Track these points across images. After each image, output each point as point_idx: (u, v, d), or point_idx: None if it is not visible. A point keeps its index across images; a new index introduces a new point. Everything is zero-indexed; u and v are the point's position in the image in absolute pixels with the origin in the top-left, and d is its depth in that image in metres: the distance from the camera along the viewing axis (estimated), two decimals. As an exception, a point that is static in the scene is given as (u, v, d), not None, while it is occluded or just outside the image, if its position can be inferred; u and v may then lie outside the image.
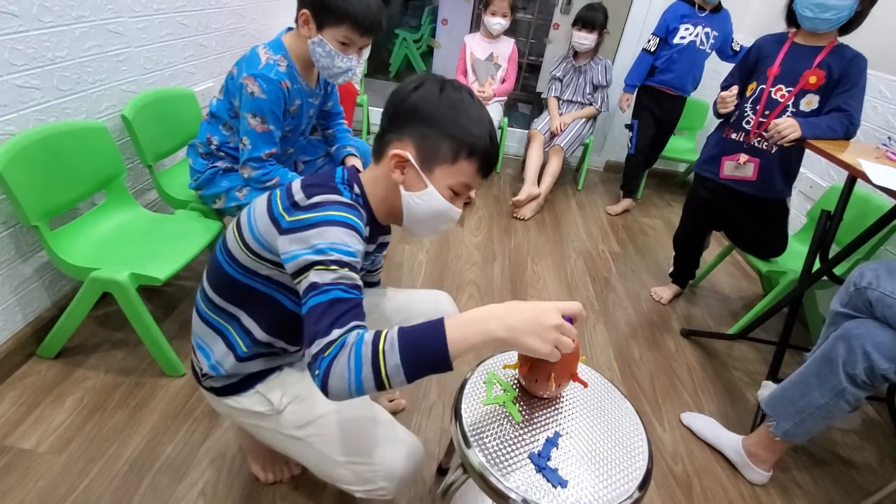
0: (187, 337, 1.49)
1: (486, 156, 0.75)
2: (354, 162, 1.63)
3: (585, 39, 2.63)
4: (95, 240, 1.34)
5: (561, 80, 2.83)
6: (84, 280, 1.23)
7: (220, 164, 1.45)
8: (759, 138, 1.59)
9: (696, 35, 2.37)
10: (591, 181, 3.22)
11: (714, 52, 2.45)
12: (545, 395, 0.78)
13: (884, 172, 1.13)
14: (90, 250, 1.30)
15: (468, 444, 0.71)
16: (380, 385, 0.57)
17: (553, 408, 0.79)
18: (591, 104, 2.80)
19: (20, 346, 1.31)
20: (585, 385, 0.80)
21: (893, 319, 1.01)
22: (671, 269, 2.11)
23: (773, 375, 1.50)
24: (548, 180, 2.62)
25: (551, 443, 0.72)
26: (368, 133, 3.15)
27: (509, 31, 2.79)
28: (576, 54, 2.77)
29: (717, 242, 2.54)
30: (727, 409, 1.54)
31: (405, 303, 1.08)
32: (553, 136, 2.74)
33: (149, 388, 1.32)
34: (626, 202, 2.82)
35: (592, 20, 2.60)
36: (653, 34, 2.46)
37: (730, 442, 1.35)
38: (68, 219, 1.33)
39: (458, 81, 0.77)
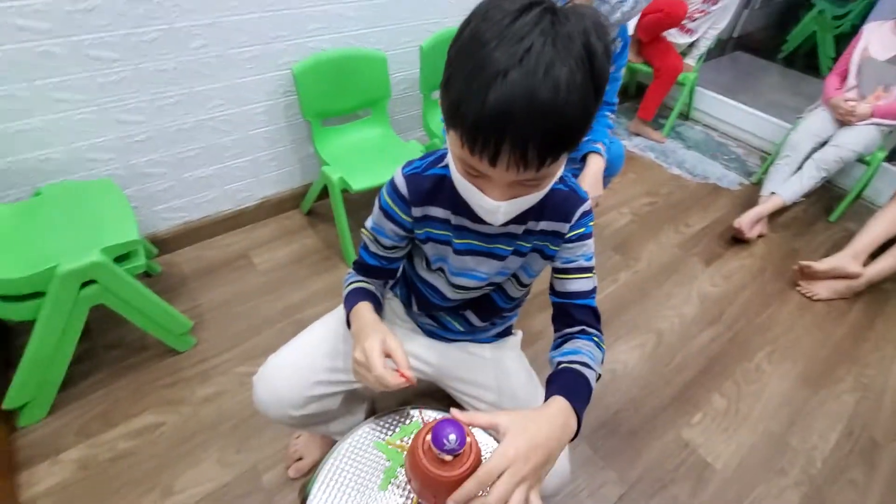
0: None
1: (470, 128, 0.51)
2: (596, 164, 1.33)
3: None
4: (343, 144, 1.72)
5: None
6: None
7: None
8: None
9: None
10: None
11: None
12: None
13: None
14: (334, 150, 1.68)
15: (318, 477, 0.68)
16: None
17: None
18: None
19: (292, 197, 1.88)
20: None
21: None
22: None
23: None
24: (889, 261, 1.68)
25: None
26: (685, 117, 2.66)
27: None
28: None
29: None
30: None
31: (506, 373, 0.95)
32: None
33: (331, 264, 1.70)
34: None
35: None
36: None
37: None
38: (341, 122, 1.74)
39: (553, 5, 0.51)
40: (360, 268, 0.86)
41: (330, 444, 1.19)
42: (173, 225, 1.64)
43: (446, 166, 0.72)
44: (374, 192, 0.83)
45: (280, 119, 1.67)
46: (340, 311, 0.95)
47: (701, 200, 2.23)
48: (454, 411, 0.60)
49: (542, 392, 0.90)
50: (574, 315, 0.76)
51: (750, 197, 2.22)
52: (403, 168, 0.75)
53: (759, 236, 1.98)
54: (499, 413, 0.59)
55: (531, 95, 0.48)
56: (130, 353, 1.34)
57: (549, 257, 0.77)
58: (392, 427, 0.73)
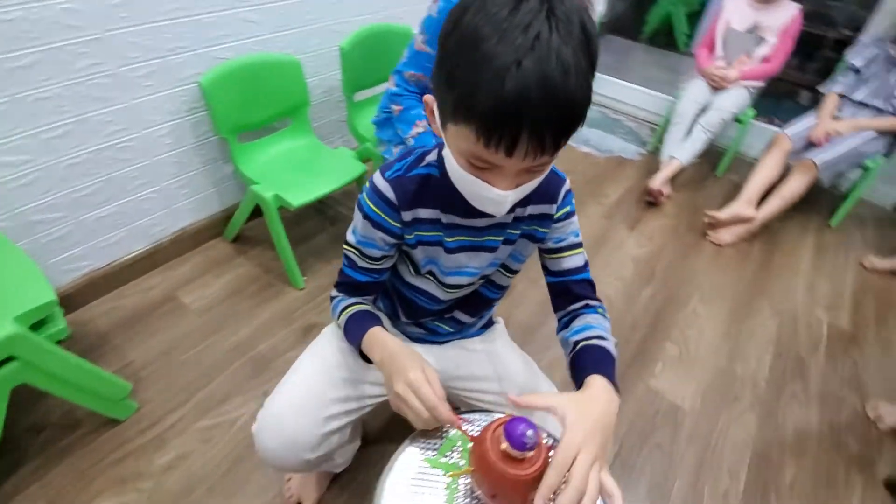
0: (322, 256, 1.72)
1: (486, 121, 0.49)
2: None
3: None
4: (268, 158, 1.59)
5: (858, 72, 2.00)
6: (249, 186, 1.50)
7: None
8: None
9: None
10: (858, 219, 2.29)
11: None
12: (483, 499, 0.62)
13: None
14: (260, 166, 1.55)
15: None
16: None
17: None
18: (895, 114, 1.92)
19: (212, 226, 1.70)
20: None
21: None
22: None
23: None
24: (775, 203, 1.97)
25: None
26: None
27: (799, -5, 2.07)
28: (904, 36, 1.89)
29: None
30: None
31: (502, 360, 0.94)
32: (811, 145, 2.01)
33: (274, 291, 1.57)
34: None
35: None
36: None
37: None
38: (259, 136, 1.60)
39: None
40: (350, 287, 0.80)
41: (327, 478, 1.10)
42: (77, 277, 1.40)
43: (429, 165, 0.70)
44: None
45: (188, 139, 1.49)
46: (328, 338, 0.89)
47: (611, 173, 2.43)
48: (512, 396, 0.61)
49: (539, 372, 0.92)
50: (574, 291, 0.78)
51: (650, 164, 2.46)
52: (384, 172, 0.70)
53: (667, 197, 2.21)
54: (549, 395, 0.61)
55: (546, 82, 0.47)
56: (62, 433, 1.13)
57: (539, 240, 0.78)
58: (433, 444, 0.69)
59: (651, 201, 2.17)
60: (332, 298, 0.84)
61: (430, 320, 0.89)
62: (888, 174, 2.28)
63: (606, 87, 3.03)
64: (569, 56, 0.48)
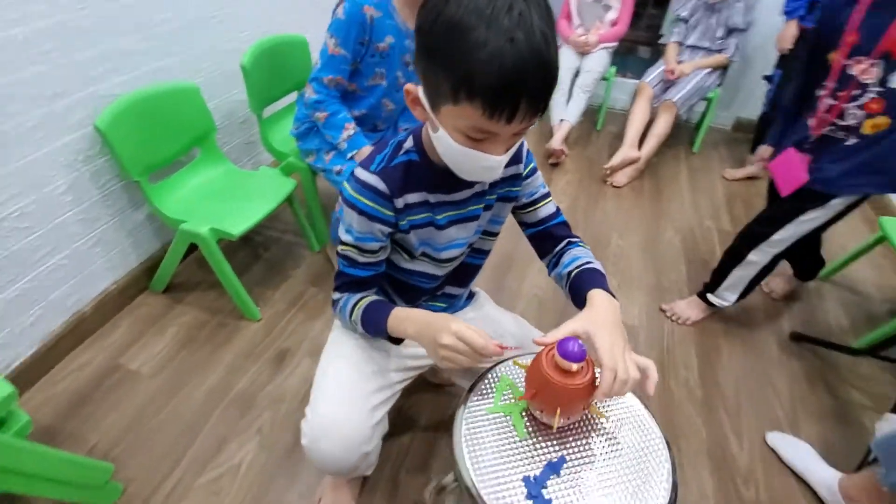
0: (269, 283, 1.66)
1: (491, 96, 0.55)
2: None
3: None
4: (187, 194, 1.49)
5: (686, 22, 2.40)
6: (176, 229, 1.39)
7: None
8: (831, 127, 1.22)
9: None
10: (712, 142, 2.77)
11: None
12: (543, 421, 0.70)
13: None
14: (182, 203, 1.45)
15: (462, 455, 0.68)
16: (355, 330, 0.86)
17: (565, 431, 0.71)
18: (720, 51, 2.35)
19: (135, 281, 1.54)
20: (601, 416, 0.71)
21: None
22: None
23: (903, 408, 1.21)
24: (651, 142, 2.31)
25: (552, 468, 0.65)
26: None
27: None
28: (710, -11, 2.31)
29: (867, 226, 2.07)
30: (831, 436, 1.30)
31: (496, 321, 1.01)
32: (666, 88, 2.37)
33: (230, 329, 1.49)
34: (750, 168, 2.39)
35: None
36: None
37: (823, 477, 1.14)
38: (169, 173, 1.49)
39: None
40: (353, 285, 0.83)
41: (358, 485, 1.10)
42: (1, 370, 1.20)
43: (408, 152, 0.75)
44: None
45: (91, 192, 1.34)
46: (341, 339, 0.90)
47: (512, 144, 2.63)
48: (537, 339, 0.68)
49: (529, 325, 1.02)
50: (556, 233, 0.88)
51: (542, 131, 2.70)
52: (368, 167, 0.74)
53: (566, 155, 2.45)
54: (567, 324, 0.68)
55: (536, 54, 0.55)
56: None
57: (513, 199, 0.86)
58: (486, 394, 0.75)
59: (554, 162, 2.40)
60: (335, 302, 0.85)
61: (424, 301, 0.94)
62: (723, 102, 2.78)
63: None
64: (545, 28, 0.56)
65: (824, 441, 1.28)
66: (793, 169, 1.29)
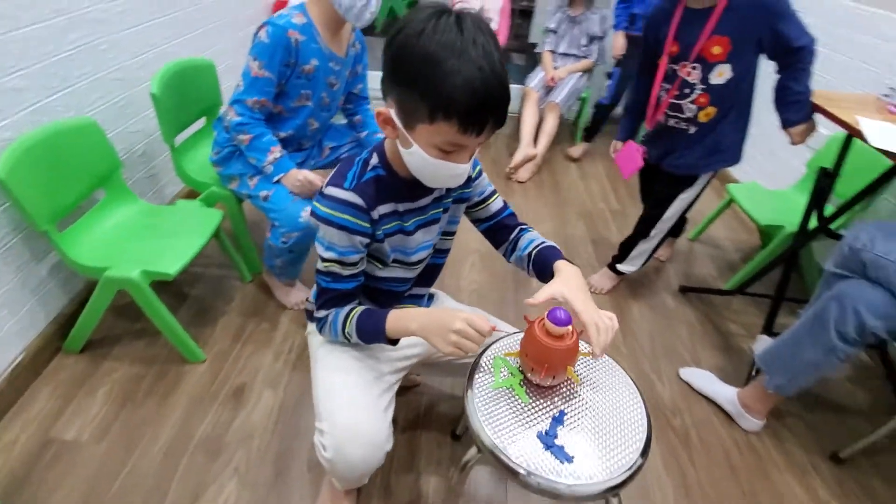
0: (204, 322, 1.58)
1: (466, 115, 0.65)
2: None
3: (581, -16, 2.52)
4: (103, 238, 1.36)
5: (555, 32, 2.73)
6: (98, 279, 1.27)
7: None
8: (674, 119, 1.52)
9: None
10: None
11: None
12: (541, 383, 0.83)
13: (882, 131, 1.13)
14: (100, 249, 1.33)
15: (481, 427, 0.77)
16: (347, 343, 0.90)
17: (557, 388, 0.84)
18: (586, 57, 2.72)
19: (47, 344, 1.37)
20: (574, 378, 0.84)
21: (886, 280, 1.04)
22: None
23: (769, 329, 1.57)
24: (544, 139, 2.59)
25: (557, 421, 0.78)
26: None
27: (501, -19, 2.67)
28: (571, 2, 2.66)
29: (716, 195, 2.55)
30: (723, 362, 1.62)
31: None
32: (548, 92, 2.68)
33: (173, 376, 1.39)
34: (584, 146, 2.86)
35: (588, -36, 2.49)
36: None
37: (725, 394, 1.43)
38: (73, 219, 1.35)
39: (455, 13, 0.67)
40: (338, 299, 0.88)
41: (355, 499, 1.13)
42: None
43: (374, 168, 0.83)
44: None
45: (-15, 250, 1.18)
46: (331, 356, 0.94)
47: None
48: (528, 300, 0.80)
49: (489, 314, 1.14)
50: (508, 223, 1.01)
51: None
52: (341, 185, 0.80)
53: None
54: (546, 288, 0.81)
55: (499, 78, 0.67)
56: None
57: (466, 200, 0.98)
58: (486, 377, 0.85)
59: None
60: (321, 320, 0.89)
61: (395, 305, 1.02)
62: (593, 99, 3.19)
63: (375, 80, 3.31)
64: (500, 57, 0.68)
65: (720, 367, 1.59)
66: (631, 158, 1.58)
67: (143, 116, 1.70)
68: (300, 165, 1.51)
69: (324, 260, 0.83)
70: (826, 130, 2.02)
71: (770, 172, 2.29)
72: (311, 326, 1.03)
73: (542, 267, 0.91)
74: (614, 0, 2.60)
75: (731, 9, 1.30)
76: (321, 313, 0.89)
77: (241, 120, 1.34)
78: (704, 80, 1.40)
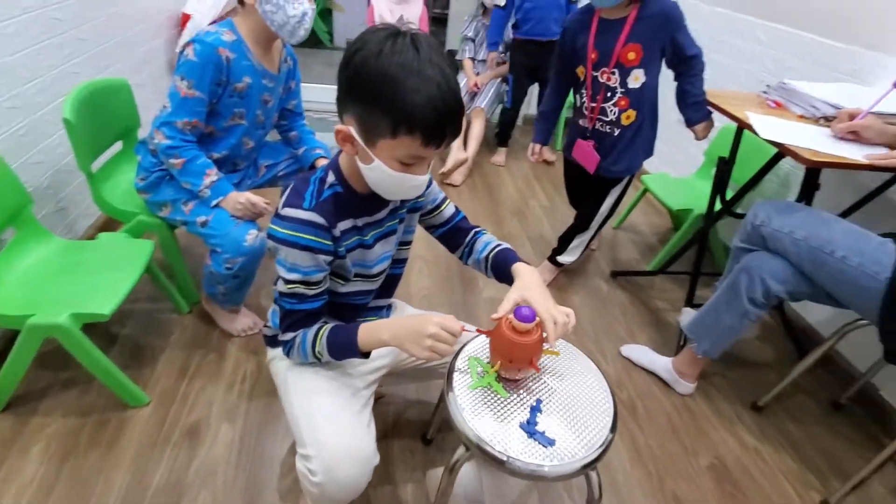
0: (142, 362, 1.47)
1: (427, 128, 0.69)
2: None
3: (492, -7, 2.64)
4: (20, 282, 1.23)
5: (473, 41, 2.84)
6: (20, 328, 1.15)
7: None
8: (599, 122, 1.65)
9: None
10: (513, 137, 3.31)
11: None
12: (513, 377, 0.89)
13: (767, 124, 1.33)
14: (18, 295, 1.20)
15: (466, 425, 0.81)
16: (317, 362, 0.91)
17: (531, 380, 0.91)
18: (504, 63, 2.85)
19: (-45, 409, 1.21)
20: (537, 370, 0.89)
21: (782, 250, 1.23)
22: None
23: (690, 302, 1.76)
24: (473, 143, 2.69)
25: (535, 410, 0.84)
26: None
27: (417, -9, 2.73)
28: (485, 11, 2.77)
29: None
30: (656, 336, 1.79)
31: None
32: (472, 98, 2.78)
33: (116, 423, 1.29)
34: (503, 150, 2.98)
35: (498, -27, 2.60)
36: None
37: (662, 364, 1.59)
38: (-21, 264, 1.21)
39: (409, 34, 0.70)
40: (305, 320, 0.88)
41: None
42: None
43: (331, 185, 0.85)
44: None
45: None
46: (301, 378, 0.94)
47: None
48: (494, 316, 0.85)
49: None
50: (462, 227, 1.06)
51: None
52: (300, 206, 0.81)
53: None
54: (509, 295, 0.87)
55: (454, 94, 0.72)
56: None
57: (419, 208, 1.01)
58: (463, 378, 0.89)
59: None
60: (287, 343, 0.89)
61: (358, 318, 1.03)
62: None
63: (307, 93, 3.23)
64: (451, 71, 0.73)
65: (653, 340, 1.76)
66: (588, 153, 1.72)
67: (45, 145, 1.54)
68: (236, 186, 1.46)
69: (287, 282, 0.83)
70: (717, 122, 2.30)
71: (674, 162, 2.56)
72: (274, 352, 1.01)
73: (501, 269, 0.97)
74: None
75: (640, 19, 1.46)
76: (287, 336, 0.89)
77: (171, 143, 1.27)
78: (623, 83, 1.55)
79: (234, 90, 1.32)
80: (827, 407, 1.57)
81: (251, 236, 1.33)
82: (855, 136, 1.25)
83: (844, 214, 1.47)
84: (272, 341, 1.01)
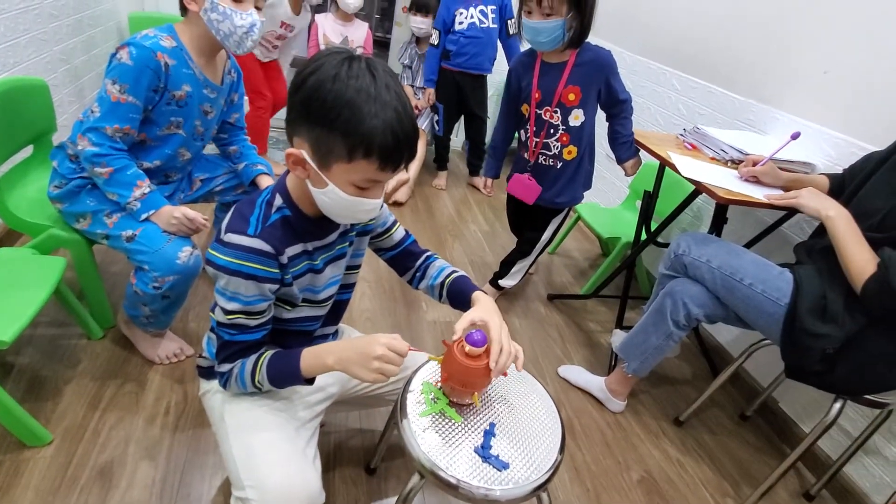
0: (43, 395, 1.30)
1: (385, 153, 0.70)
2: (267, 183, 1.49)
3: (421, 24, 2.71)
4: None
5: (410, 68, 2.90)
6: None
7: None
8: (542, 156, 1.73)
9: (472, 17, 2.56)
10: (453, 161, 3.40)
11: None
12: (464, 402, 0.90)
13: (688, 164, 1.48)
14: None
15: (421, 453, 0.80)
16: (258, 392, 0.87)
17: (482, 404, 0.92)
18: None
19: None
20: (475, 402, 0.90)
21: (700, 277, 1.36)
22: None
23: (620, 324, 1.88)
24: (415, 164, 2.73)
25: (489, 434, 0.85)
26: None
27: (362, 15, 2.75)
28: (418, 41, 2.85)
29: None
30: (590, 356, 1.89)
31: None
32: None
33: (10, 466, 1.12)
34: (443, 174, 3.05)
35: (426, 4, 2.65)
36: (433, 28, 2.62)
37: (595, 383, 1.67)
38: None
39: (364, 59, 0.71)
40: (247, 350, 0.83)
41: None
42: None
43: (279, 209, 0.82)
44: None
45: None
46: (239, 409, 0.89)
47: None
48: (447, 341, 0.86)
49: None
50: (413, 251, 1.06)
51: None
52: (245, 232, 0.77)
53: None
54: (465, 317, 0.87)
55: (410, 119, 0.74)
56: None
57: (369, 231, 1.00)
58: (416, 406, 0.88)
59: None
60: (224, 374, 0.84)
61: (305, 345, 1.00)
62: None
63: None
64: (405, 97, 0.74)
65: (588, 360, 1.85)
66: (528, 186, 1.80)
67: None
68: (168, 199, 1.36)
69: (228, 312, 0.79)
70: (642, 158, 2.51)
71: (602, 192, 2.75)
72: (209, 384, 0.95)
73: (458, 297, 0.97)
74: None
75: (578, 64, 1.57)
76: (224, 367, 0.83)
77: (99, 150, 1.17)
78: (565, 121, 1.66)
79: (171, 97, 1.24)
80: (736, 419, 1.73)
81: (185, 253, 1.24)
82: (755, 180, 1.42)
83: (748, 245, 1.66)
84: (207, 373, 0.94)
